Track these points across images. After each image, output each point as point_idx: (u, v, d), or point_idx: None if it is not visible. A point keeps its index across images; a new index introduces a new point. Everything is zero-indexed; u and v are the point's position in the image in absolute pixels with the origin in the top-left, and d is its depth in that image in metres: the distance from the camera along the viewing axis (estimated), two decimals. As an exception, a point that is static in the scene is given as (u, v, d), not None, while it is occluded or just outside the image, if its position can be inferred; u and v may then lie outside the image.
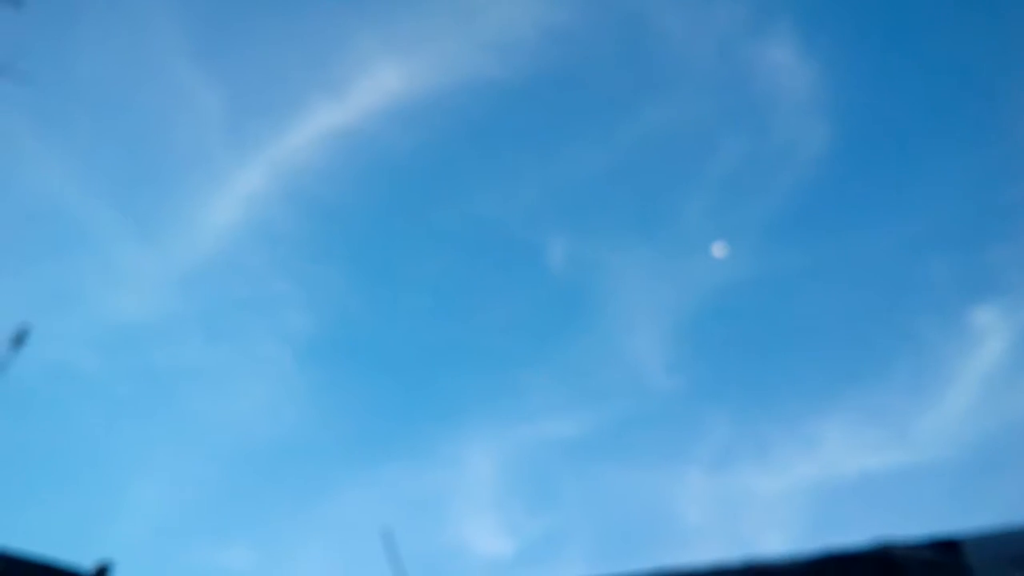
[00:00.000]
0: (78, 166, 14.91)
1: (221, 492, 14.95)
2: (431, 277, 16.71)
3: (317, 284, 16.36)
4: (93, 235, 15.07)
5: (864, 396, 14.71)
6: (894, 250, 15.19)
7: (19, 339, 5.61)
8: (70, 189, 14.79)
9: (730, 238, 15.64)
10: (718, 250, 15.33)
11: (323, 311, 16.43)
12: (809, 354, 15.45)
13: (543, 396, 16.21)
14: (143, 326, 15.48)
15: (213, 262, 15.77)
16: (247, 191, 15.55)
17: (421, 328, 16.75)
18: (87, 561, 5.40)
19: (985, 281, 14.55)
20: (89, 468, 14.82)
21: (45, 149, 14.52)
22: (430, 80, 15.33)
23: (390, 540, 4.62)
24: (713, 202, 15.66)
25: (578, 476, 15.76)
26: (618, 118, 15.94)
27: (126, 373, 15.50)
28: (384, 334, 16.94)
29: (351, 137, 15.41)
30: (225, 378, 15.93)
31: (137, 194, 15.30)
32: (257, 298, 16.03)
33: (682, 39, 15.16)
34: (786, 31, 14.69)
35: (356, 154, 15.67)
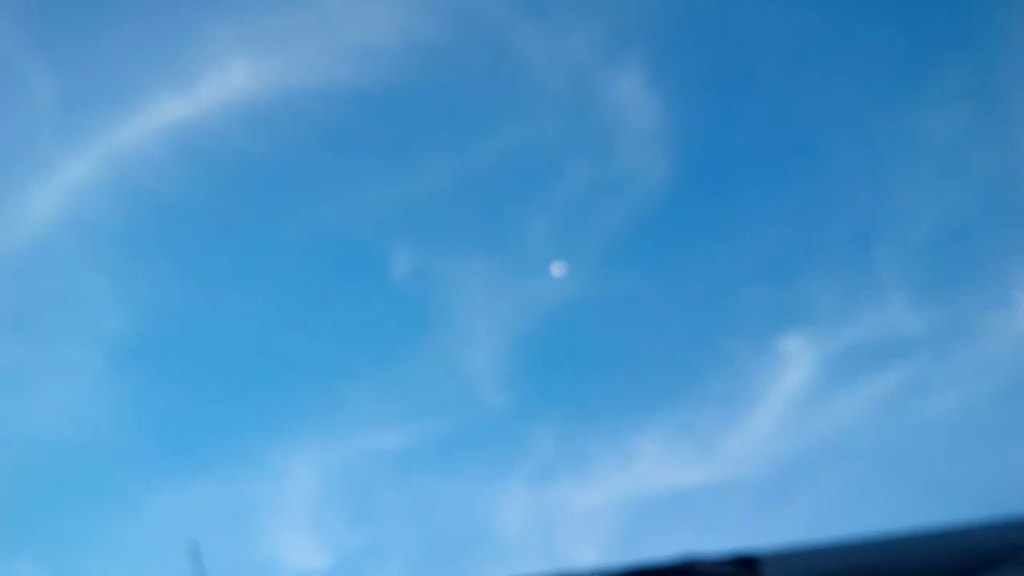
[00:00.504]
0: None
1: (10, 502, 13.83)
2: (267, 282, 16.19)
3: (140, 283, 15.49)
4: None
5: (679, 414, 15.45)
6: (717, 279, 16.07)
7: None
8: None
9: (569, 260, 16.07)
10: (557, 270, 15.70)
11: (144, 311, 15.57)
12: (632, 372, 16.07)
13: (373, 407, 16.00)
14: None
15: (24, 254, 14.66)
16: (72, 181, 14.54)
17: (251, 334, 16.18)
18: None
19: (794, 311, 15.66)
20: None
21: None
22: (284, 81, 14.90)
23: (196, 556, 4.39)
24: (556, 224, 16.05)
25: (402, 489, 15.63)
26: (472, 135, 16.06)
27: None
28: (210, 338, 16.24)
29: (194, 133, 14.73)
30: (25, 378, 14.81)
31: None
32: (70, 294, 15.00)
33: (540, 63, 15.49)
34: (637, 64, 15.31)
35: (198, 151, 15.00)
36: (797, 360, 15.05)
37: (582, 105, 15.69)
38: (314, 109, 15.46)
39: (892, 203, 15.64)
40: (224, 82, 14.39)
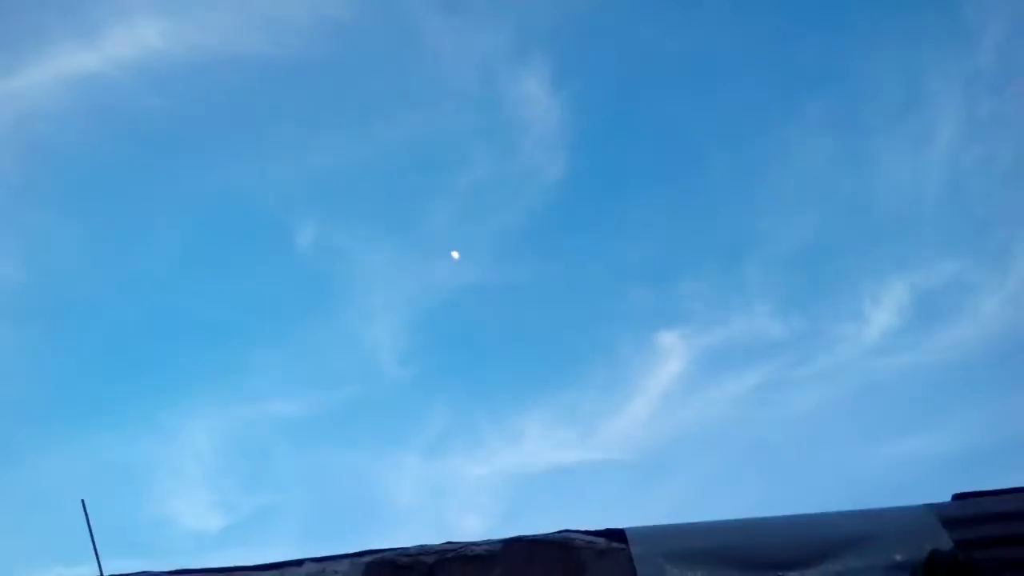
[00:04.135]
0: None
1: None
2: (169, 243, 15.62)
3: (37, 234, 14.70)
4: None
5: (564, 397, 15.83)
6: (603, 274, 16.48)
7: None
8: None
9: (468, 246, 16.14)
10: (456, 255, 15.76)
11: (39, 263, 14.79)
12: (522, 356, 16.33)
13: (273, 375, 15.71)
14: None
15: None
16: (-34, 126, 13.62)
17: (151, 293, 15.59)
18: None
19: (671, 309, 16.23)
20: None
21: None
22: (193, 42, 14.33)
23: (87, 512, 4.28)
24: (458, 210, 16.10)
25: (298, 456, 15.43)
26: (379, 117, 15.89)
27: None
28: (109, 295, 15.57)
29: (98, 85, 14.01)
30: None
31: None
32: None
33: (449, 55, 15.45)
34: (542, 65, 15.45)
35: (102, 104, 14.28)
36: (672, 355, 15.63)
37: (488, 99, 15.75)
38: (223, 73, 14.93)
39: (763, 218, 16.38)
40: (132, 37, 13.68)
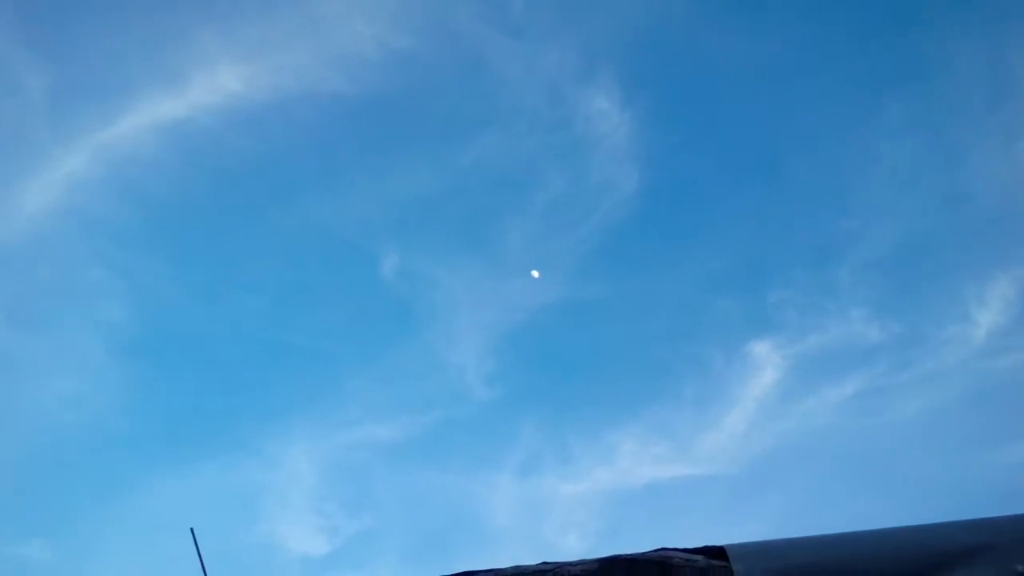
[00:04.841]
0: None
1: (19, 484, 13.71)
2: (262, 278, 16.14)
3: (139, 276, 15.40)
4: None
5: (656, 412, 15.58)
6: (688, 287, 16.23)
7: None
8: None
9: (548, 264, 16.13)
10: (536, 274, 15.77)
11: (144, 303, 15.48)
12: (610, 373, 16.18)
13: (368, 400, 15.99)
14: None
15: (23, 246, 14.51)
16: (67, 175, 14.43)
17: (248, 328, 16.10)
18: None
19: (764, 319, 15.81)
20: None
21: None
22: (272, 85, 14.87)
23: (198, 539, 4.39)
24: (535, 230, 16.14)
25: (397, 479, 15.64)
26: (453, 144, 16.11)
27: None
28: (209, 331, 16.16)
29: (186, 131, 14.66)
30: (29, 366, 14.66)
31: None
32: (71, 286, 14.90)
33: (517, 78, 15.58)
34: (610, 82, 15.40)
35: (190, 148, 14.93)
36: (766, 365, 15.23)
37: (558, 118, 15.77)
38: (302, 112, 15.42)
39: (851, 220, 15.84)
40: (214, 83, 14.27)
